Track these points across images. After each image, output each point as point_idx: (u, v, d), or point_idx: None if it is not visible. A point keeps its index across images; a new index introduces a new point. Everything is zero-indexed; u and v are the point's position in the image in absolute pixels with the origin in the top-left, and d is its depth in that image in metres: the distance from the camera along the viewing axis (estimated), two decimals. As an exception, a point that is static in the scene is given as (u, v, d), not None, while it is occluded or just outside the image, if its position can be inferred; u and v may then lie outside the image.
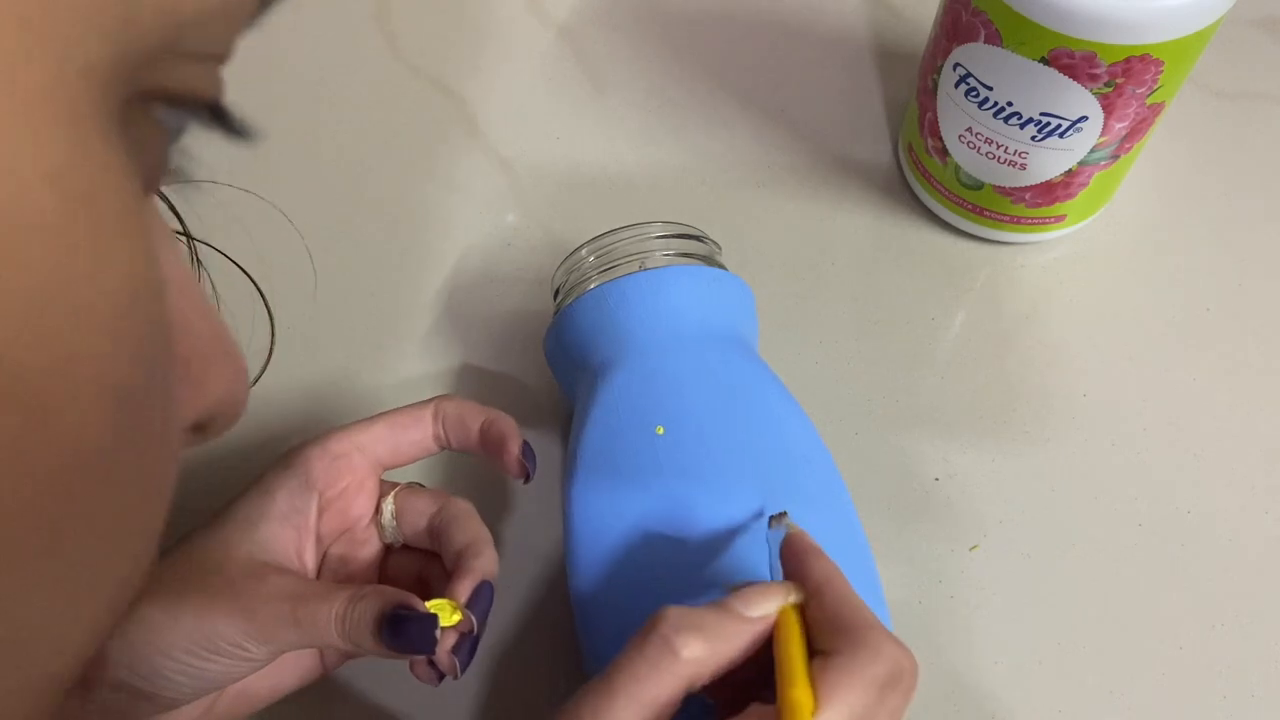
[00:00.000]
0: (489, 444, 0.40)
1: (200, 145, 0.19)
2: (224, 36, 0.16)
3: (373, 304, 0.52)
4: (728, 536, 0.36)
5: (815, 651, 0.29)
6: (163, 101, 0.16)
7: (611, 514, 0.37)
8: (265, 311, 0.45)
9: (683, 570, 0.36)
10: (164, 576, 0.34)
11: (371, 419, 0.39)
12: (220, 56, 0.17)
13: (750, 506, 0.36)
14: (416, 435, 0.40)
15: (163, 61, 0.15)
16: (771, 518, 0.35)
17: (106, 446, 0.14)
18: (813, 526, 0.37)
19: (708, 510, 0.36)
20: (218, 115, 0.17)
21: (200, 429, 0.20)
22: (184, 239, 0.42)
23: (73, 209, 0.13)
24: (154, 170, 0.17)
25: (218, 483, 0.40)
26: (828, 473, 0.39)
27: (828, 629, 0.30)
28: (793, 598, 0.31)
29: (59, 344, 0.13)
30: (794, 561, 0.33)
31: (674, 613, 0.30)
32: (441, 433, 0.40)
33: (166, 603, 0.33)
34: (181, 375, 0.18)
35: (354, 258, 0.53)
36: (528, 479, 0.40)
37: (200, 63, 0.16)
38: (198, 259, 0.43)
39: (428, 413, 0.40)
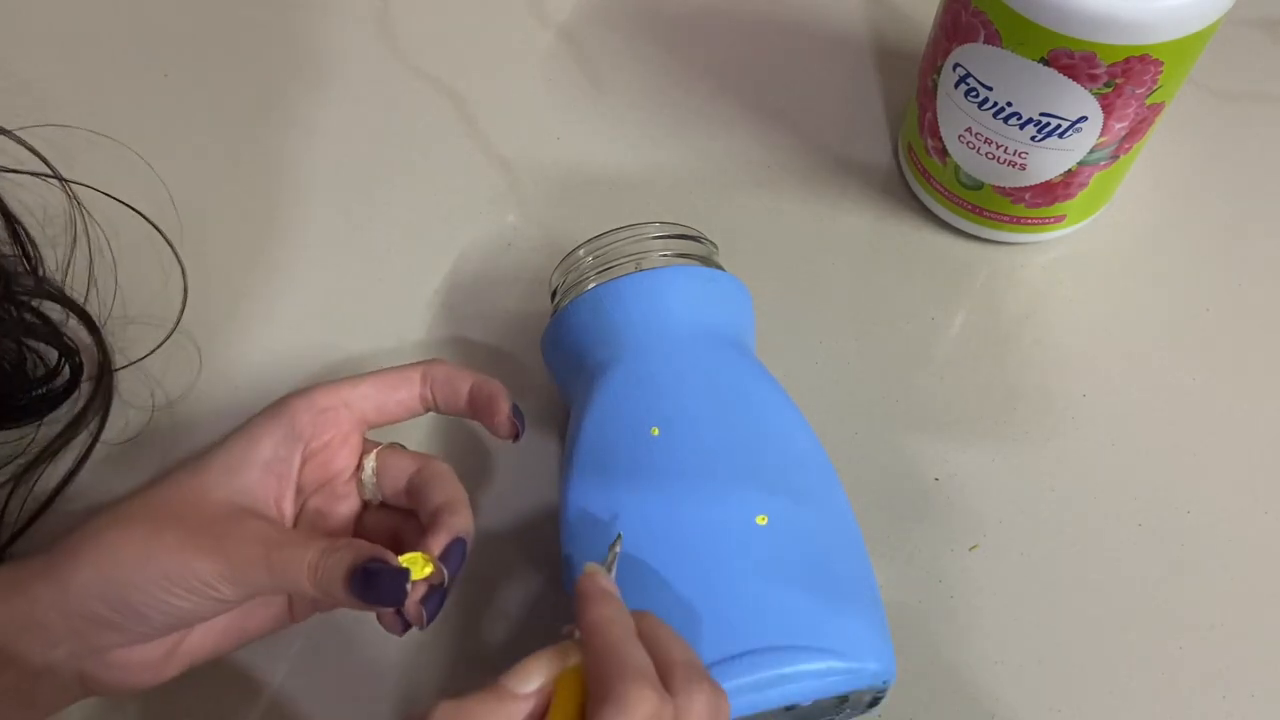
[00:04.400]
0: (478, 405, 0.40)
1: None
2: None
3: (371, 303, 0.52)
4: (722, 537, 0.36)
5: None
6: None
7: (607, 514, 0.37)
8: (175, 260, 0.48)
9: (678, 570, 0.36)
10: (140, 511, 0.35)
11: (359, 376, 0.40)
12: None
13: (746, 507, 0.36)
14: (403, 395, 0.40)
15: None
16: (611, 545, 0.35)
17: None
18: (809, 526, 0.37)
19: (702, 510, 0.36)
20: None
21: None
22: (61, 183, 0.44)
23: None
24: None
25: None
26: (824, 472, 0.39)
27: (591, 685, 0.29)
28: (572, 659, 0.30)
29: None
30: (577, 608, 0.32)
31: (442, 709, 0.29)
32: (429, 394, 0.40)
33: (141, 536, 0.34)
34: None
35: (353, 257, 0.53)
36: (517, 438, 0.40)
37: None
38: (78, 203, 0.45)
39: (416, 374, 0.40)
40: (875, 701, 0.37)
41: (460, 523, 0.37)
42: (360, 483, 0.40)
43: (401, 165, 0.56)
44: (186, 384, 0.49)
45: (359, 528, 0.40)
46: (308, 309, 0.51)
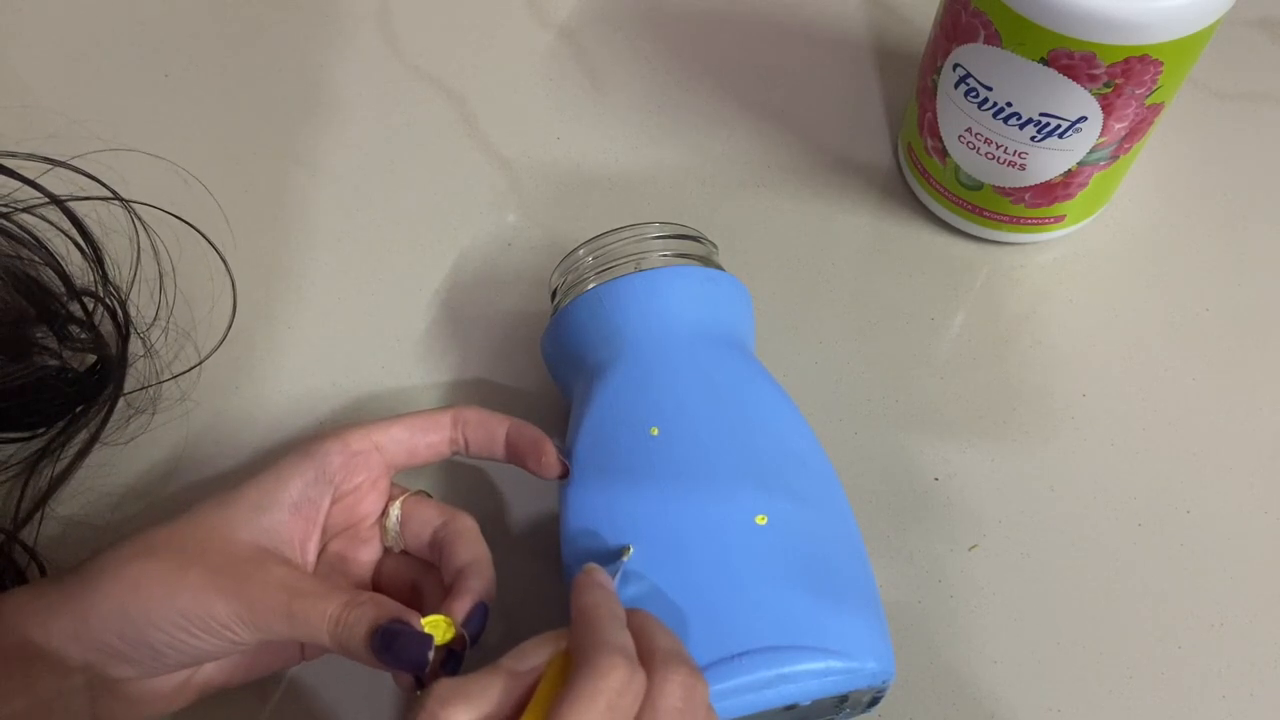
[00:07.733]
0: (519, 448, 0.40)
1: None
2: None
3: (371, 304, 0.52)
4: (721, 537, 0.36)
5: None
6: None
7: (606, 514, 0.37)
8: (226, 273, 0.48)
9: (677, 570, 0.36)
10: (164, 544, 0.35)
11: (391, 420, 0.40)
12: None
13: (745, 507, 0.36)
14: (434, 439, 0.40)
15: None
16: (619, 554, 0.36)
17: None
18: (808, 526, 0.37)
19: (702, 510, 0.36)
20: None
21: None
22: (121, 202, 0.44)
23: None
24: None
25: (213, 489, 0.40)
26: (823, 472, 0.39)
27: (574, 660, 0.30)
28: (564, 644, 0.31)
29: None
30: (571, 596, 0.33)
31: (442, 685, 0.29)
32: (460, 438, 0.40)
33: (165, 571, 0.34)
34: None
35: (352, 257, 0.53)
36: (565, 476, 0.40)
37: None
38: (139, 220, 0.45)
39: (447, 418, 0.40)
40: (875, 701, 0.37)
41: (484, 586, 0.37)
42: (384, 529, 0.40)
43: (402, 165, 0.56)
44: (186, 385, 0.49)
45: (377, 574, 0.40)
46: (307, 309, 0.51)
